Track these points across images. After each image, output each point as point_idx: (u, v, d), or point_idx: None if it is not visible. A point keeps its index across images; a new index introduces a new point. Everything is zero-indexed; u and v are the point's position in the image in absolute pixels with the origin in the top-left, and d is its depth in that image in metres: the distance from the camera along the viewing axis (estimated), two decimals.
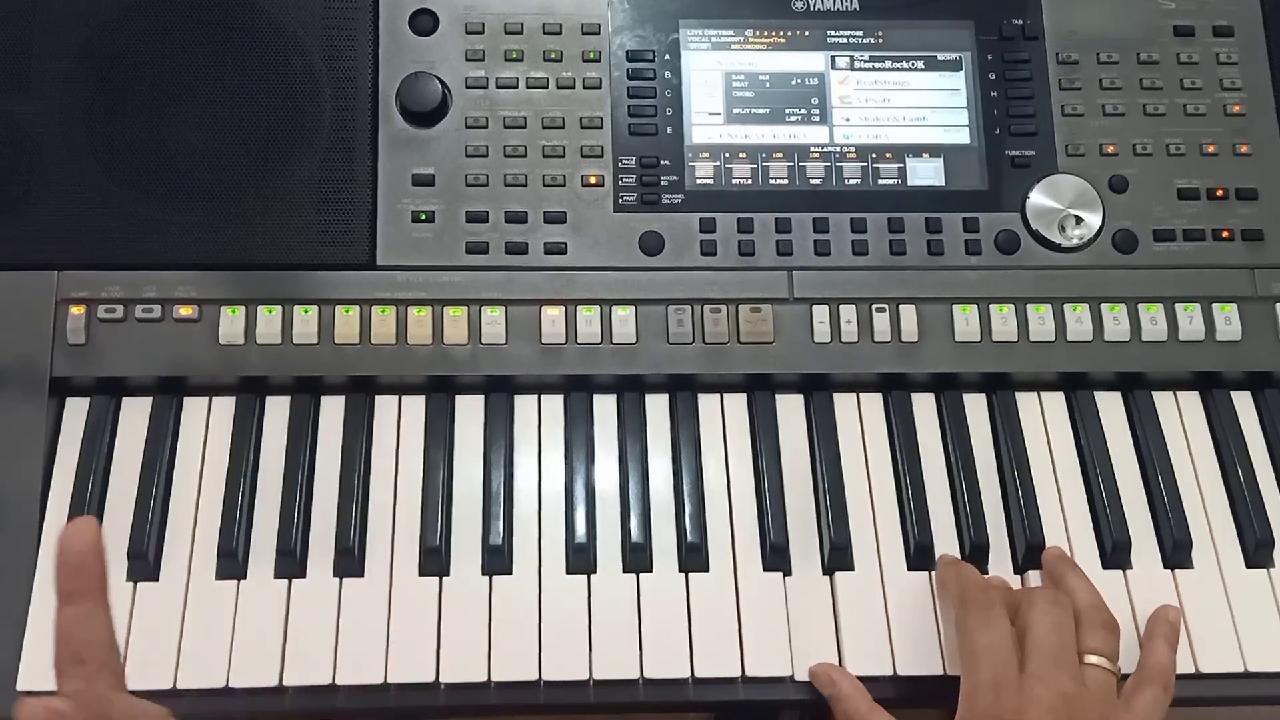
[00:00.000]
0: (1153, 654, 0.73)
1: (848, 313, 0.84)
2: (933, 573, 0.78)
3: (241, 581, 0.76)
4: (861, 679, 0.74)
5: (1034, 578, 0.78)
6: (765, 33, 0.89)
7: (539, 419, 0.83)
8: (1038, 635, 0.70)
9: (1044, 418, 0.84)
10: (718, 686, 0.75)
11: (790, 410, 0.84)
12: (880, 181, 0.86)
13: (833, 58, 0.89)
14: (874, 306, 0.84)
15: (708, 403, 0.84)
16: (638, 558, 0.78)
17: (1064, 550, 0.79)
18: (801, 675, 0.75)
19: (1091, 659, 0.70)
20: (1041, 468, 0.82)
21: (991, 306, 0.84)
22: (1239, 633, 0.77)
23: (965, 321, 0.84)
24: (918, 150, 0.87)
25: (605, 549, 0.78)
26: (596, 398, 0.83)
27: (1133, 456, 0.83)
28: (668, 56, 0.88)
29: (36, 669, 0.73)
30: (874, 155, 0.87)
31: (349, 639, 0.75)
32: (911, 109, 0.88)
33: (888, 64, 0.89)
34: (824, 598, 0.78)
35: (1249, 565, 0.80)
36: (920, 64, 0.89)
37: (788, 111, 0.87)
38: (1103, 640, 0.71)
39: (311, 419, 0.82)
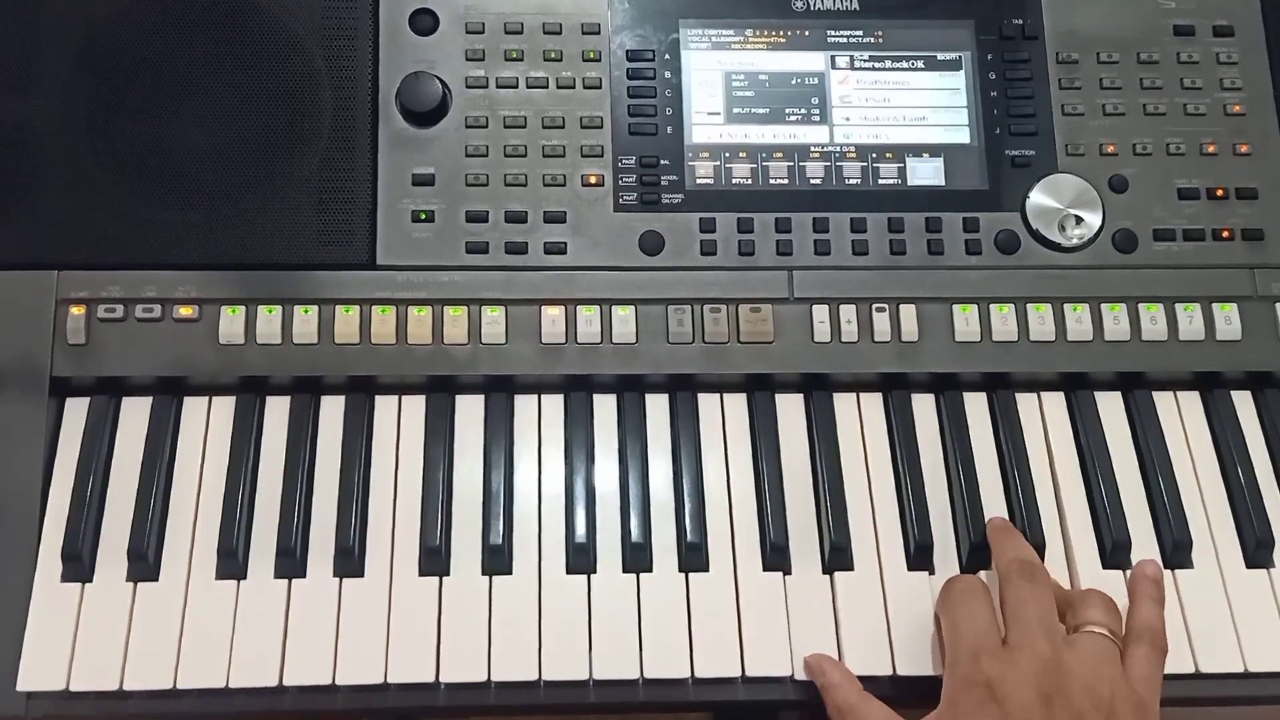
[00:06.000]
0: (1137, 614, 0.74)
1: (848, 312, 0.83)
2: (932, 575, 0.78)
3: (241, 581, 0.77)
4: (861, 679, 0.74)
5: None
6: (765, 32, 0.89)
7: (539, 419, 0.83)
8: (1012, 607, 0.71)
9: (1044, 418, 0.84)
10: (718, 686, 0.75)
11: (790, 410, 0.84)
12: (880, 181, 0.86)
13: (833, 57, 0.88)
14: (874, 306, 0.84)
15: (708, 403, 0.84)
16: (638, 557, 0.78)
17: (1005, 521, 0.79)
18: (801, 675, 0.75)
19: (1094, 629, 0.71)
20: (1041, 468, 0.82)
21: (991, 306, 0.84)
22: (1239, 633, 0.77)
23: (965, 321, 0.84)
24: (918, 150, 0.87)
25: (605, 549, 0.78)
26: (596, 397, 0.83)
27: (1133, 456, 0.83)
28: (668, 56, 0.88)
29: (37, 669, 0.73)
30: (874, 155, 0.87)
31: (349, 639, 0.75)
32: (911, 109, 0.88)
33: (888, 64, 0.89)
34: (824, 598, 0.78)
35: (1249, 565, 0.80)
36: (920, 64, 0.89)
37: (788, 111, 0.87)
38: (1104, 613, 0.72)
39: (311, 419, 0.82)
